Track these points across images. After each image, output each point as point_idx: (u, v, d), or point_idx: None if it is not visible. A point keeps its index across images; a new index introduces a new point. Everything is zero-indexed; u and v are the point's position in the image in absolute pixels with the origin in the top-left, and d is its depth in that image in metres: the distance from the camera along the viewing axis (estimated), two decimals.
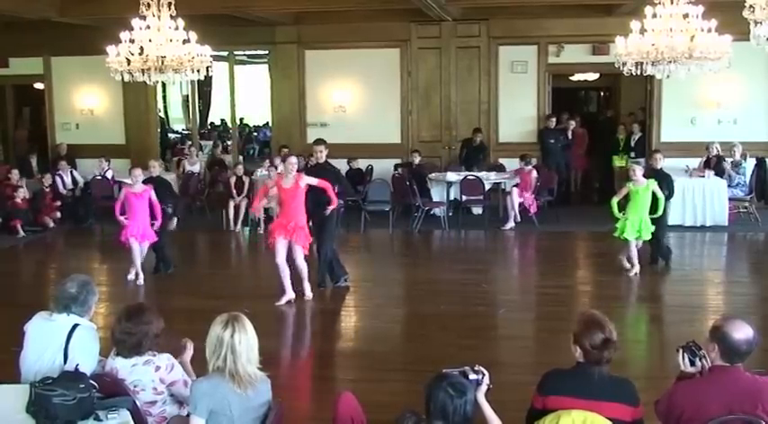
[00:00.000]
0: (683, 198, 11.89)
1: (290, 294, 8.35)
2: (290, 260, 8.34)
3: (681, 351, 3.79)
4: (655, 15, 8.23)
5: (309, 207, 8.52)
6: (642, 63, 8.55)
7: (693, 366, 3.75)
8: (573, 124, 15.00)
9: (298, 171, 8.49)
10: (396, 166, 13.99)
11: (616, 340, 3.64)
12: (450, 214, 12.76)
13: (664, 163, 10.06)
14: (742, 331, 3.61)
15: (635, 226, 9.16)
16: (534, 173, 12.74)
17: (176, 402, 4.17)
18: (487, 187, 12.72)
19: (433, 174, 13.36)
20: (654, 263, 9.75)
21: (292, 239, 8.21)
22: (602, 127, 17.14)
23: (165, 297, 8.80)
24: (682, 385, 3.73)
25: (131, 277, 9.36)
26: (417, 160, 13.66)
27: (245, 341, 3.68)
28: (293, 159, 8.37)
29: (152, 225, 9.33)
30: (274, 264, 8.31)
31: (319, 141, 9.03)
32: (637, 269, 9.28)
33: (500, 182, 13.05)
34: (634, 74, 8.85)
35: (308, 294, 8.49)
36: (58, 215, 13.26)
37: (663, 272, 9.71)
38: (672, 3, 8.16)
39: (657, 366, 6.17)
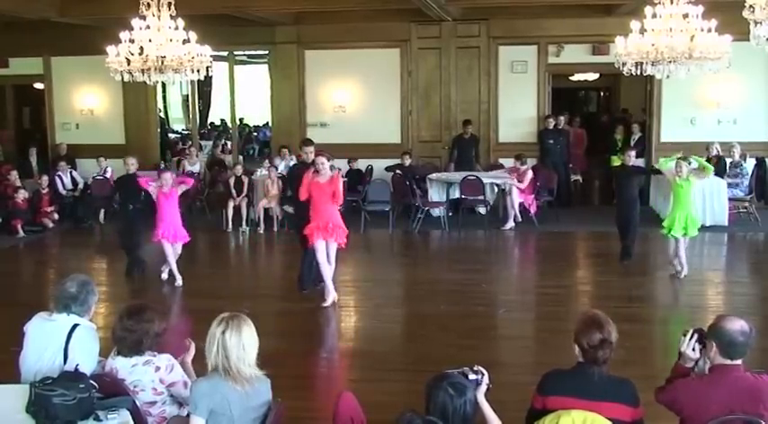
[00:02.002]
0: None
1: (333, 293, 8.29)
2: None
3: (691, 332, 3.78)
4: (655, 15, 8.22)
5: (303, 205, 8.53)
6: (642, 63, 8.54)
7: (694, 351, 3.75)
8: (562, 120, 14.89)
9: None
10: (387, 168, 13.94)
11: (614, 341, 3.64)
12: (450, 214, 12.76)
13: (635, 161, 10.32)
14: (736, 323, 3.63)
15: (681, 223, 8.98)
16: (530, 173, 12.73)
17: (176, 403, 4.17)
18: (488, 188, 12.70)
19: (434, 175, 13.36)
20: (625, 259, 9.86)
21: (332, 238, 8.17)
22: (604, 126, 17.16)
23: (165, 297, 8.81)
24: (683, 384, 3.73)
25: (164, 276, 9.31)
26: (408, 162, 13.64)
27: (235, 339, 3.66)
28: (322, 159, 8.26)
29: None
30: (315, 263, 8.27)
31: (309, 142, 8.98)
32: (686, 270, 9.13)
33: (499, 183, 13.02)
34: (634, 74, 8.85)
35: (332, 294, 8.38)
36: (56, 216, 13.26)
37: (662, 273, 9.70)
38: (672, 3, 8.15)
39: (657, 366, 6.17)
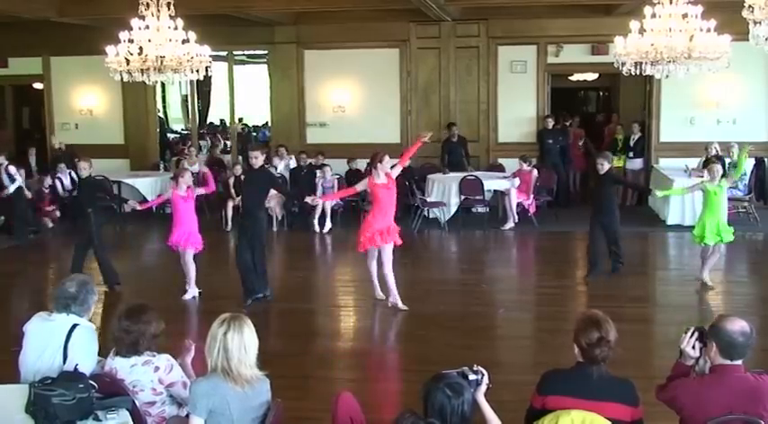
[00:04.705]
0: (682, 198, 11.88)
1: (380, 294, 8.32)
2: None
3: (692, 330, 3.77)
4: (654, 15, 8.22)
5: (248, 206, 8.41)
6: (641, 63, 8.54)
7: (694, 349, 3.75)
8: (573, 121, 14.90)
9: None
10: None
11: (612, 340, 3.64)
12: (449, 214, 12.75)
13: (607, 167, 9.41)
14: (736, 324, 3.63)
15: (713, 229, 8.64)
16: (535, 173, 12.74)
17: (175, 403, 4.17)
18: (488, 193, 12.67)
19: (435, 175, 13.37)
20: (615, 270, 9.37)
21: (388, 240, 8.04)
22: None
23: (164, 297, 8.77)
24: (683, 384, 3.73)
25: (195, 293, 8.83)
26: (407, 162, 13.59)
27: (237, 341, 3.67)
28: (387, 157, 8.09)
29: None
30: (365, 268, 8.28)
31: (256, 147, 8.81)
32: (704, 274, 8.85)
33: (496, 188, 12.94)
34: (633, 74, 8.84)
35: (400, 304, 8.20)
36: (57, 214, 13.27)
37: (662, 273, 9.70)
38: (671, 3, 8.16)
39: (657, 367, 6.17)
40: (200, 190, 9.23)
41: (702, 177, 12.06)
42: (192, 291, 8.77)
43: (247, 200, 8.56)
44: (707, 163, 12.60)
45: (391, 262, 8.07)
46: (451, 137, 14.16)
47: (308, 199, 9.27)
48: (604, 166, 9.30)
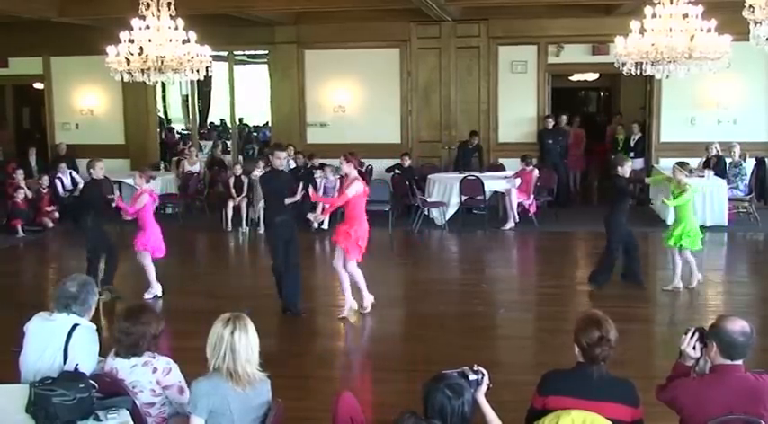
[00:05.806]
0: None
1: (351, 303, 7.97)
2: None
3: (693, 330, 3.77)
4: (654, 15, 8.23)
5: (274, 209, 7.96)
6: (642, 63, 8.54)
7: (694, 350, 3.75)
8: (564, 119, 14.95)
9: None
10: (387, 170, 13.93)
11: (612, 340, 3.64)
12: (449, 214, 12.75)
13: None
14: (737, 324, 3.64)
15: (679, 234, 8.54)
16: (536, 173, 12.75)
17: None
18: (488, 193, 12.68)
19: (435, 175, 13.37)
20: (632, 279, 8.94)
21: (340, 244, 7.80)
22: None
23: (165, 297, 8.78)
24: (683, 384, 3.73)
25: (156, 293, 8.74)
26: (407, 163, 13.66)
27: (244, 340, 3.68)
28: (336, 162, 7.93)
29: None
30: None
31: (280, 146, 8.50)
32: (677, 283, 8.65)
33: (498, 189, 12.94)
34: (634, 74, 8.84)
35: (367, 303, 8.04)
36: (57, 215, 13.27)
37: (662, 273, 9.68)
38: (671, 3, 8.16)
39: (657, 367, 6.17)
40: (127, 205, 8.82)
41: (702, 176, 12.15)
42: (155, 289, 8.70)
43: (272, 202, 8.07)
44: (707, 164, 12.70)
45: (342, 261, 7.88)
46: (469, 144, 14.22)
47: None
48: (626, 168, 8.75)
